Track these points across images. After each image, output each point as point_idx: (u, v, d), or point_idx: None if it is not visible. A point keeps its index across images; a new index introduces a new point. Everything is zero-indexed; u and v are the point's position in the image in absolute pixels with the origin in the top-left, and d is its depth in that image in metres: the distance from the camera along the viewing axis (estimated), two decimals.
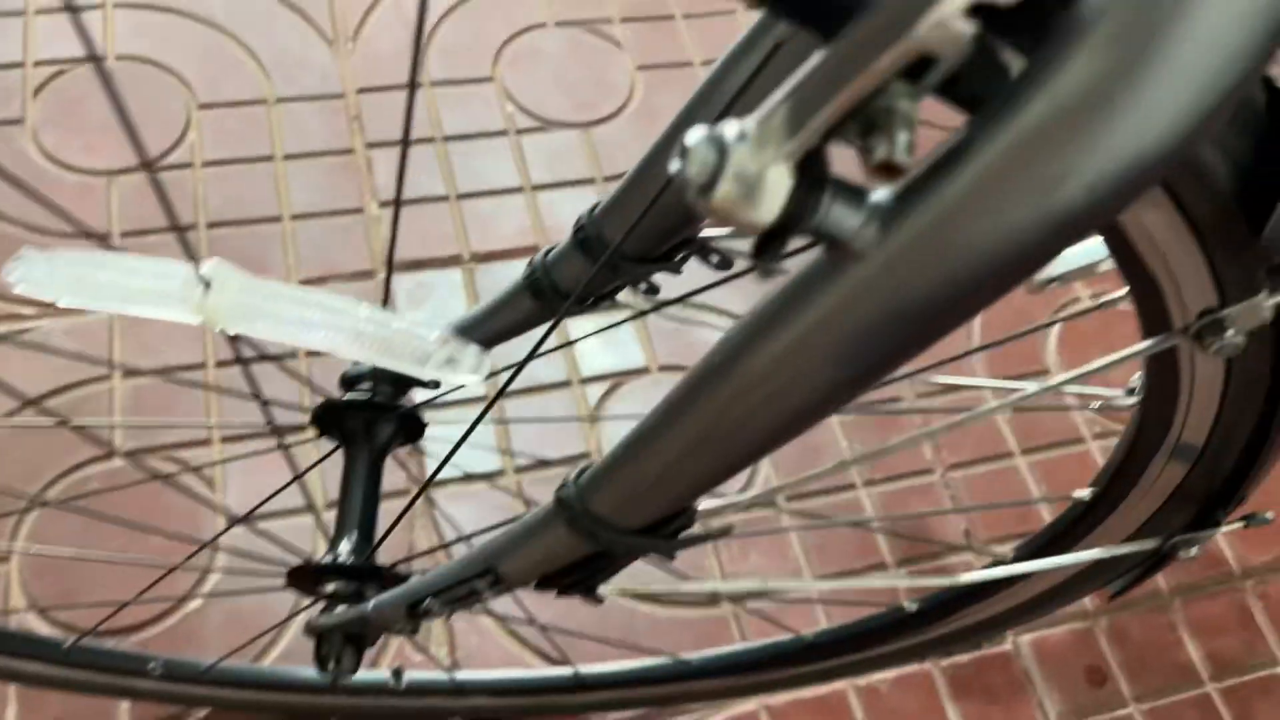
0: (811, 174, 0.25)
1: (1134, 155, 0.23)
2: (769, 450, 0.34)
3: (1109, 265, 0.88)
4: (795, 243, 0.26)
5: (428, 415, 0.57)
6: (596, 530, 0.38)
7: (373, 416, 0.54)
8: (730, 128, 0.25)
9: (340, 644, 0.50)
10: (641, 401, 1.07)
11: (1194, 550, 0.49)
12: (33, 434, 0.96)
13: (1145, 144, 0.23)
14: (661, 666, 0.80)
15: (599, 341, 1.10)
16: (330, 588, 0.51)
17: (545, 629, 0.90)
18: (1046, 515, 1.07)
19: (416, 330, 0.34)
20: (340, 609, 0.50)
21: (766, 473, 1.04)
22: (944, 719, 0.96)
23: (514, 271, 1.10)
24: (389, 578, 0.51)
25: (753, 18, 0.39)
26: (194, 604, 0.91)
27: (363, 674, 0.85)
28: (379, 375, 0.55)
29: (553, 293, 0.48)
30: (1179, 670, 1.01)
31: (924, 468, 1.08)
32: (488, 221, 1.17)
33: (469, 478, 0.95)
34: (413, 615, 0.48)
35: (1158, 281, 0.35)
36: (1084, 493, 0.53)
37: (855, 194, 0.26)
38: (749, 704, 0.93)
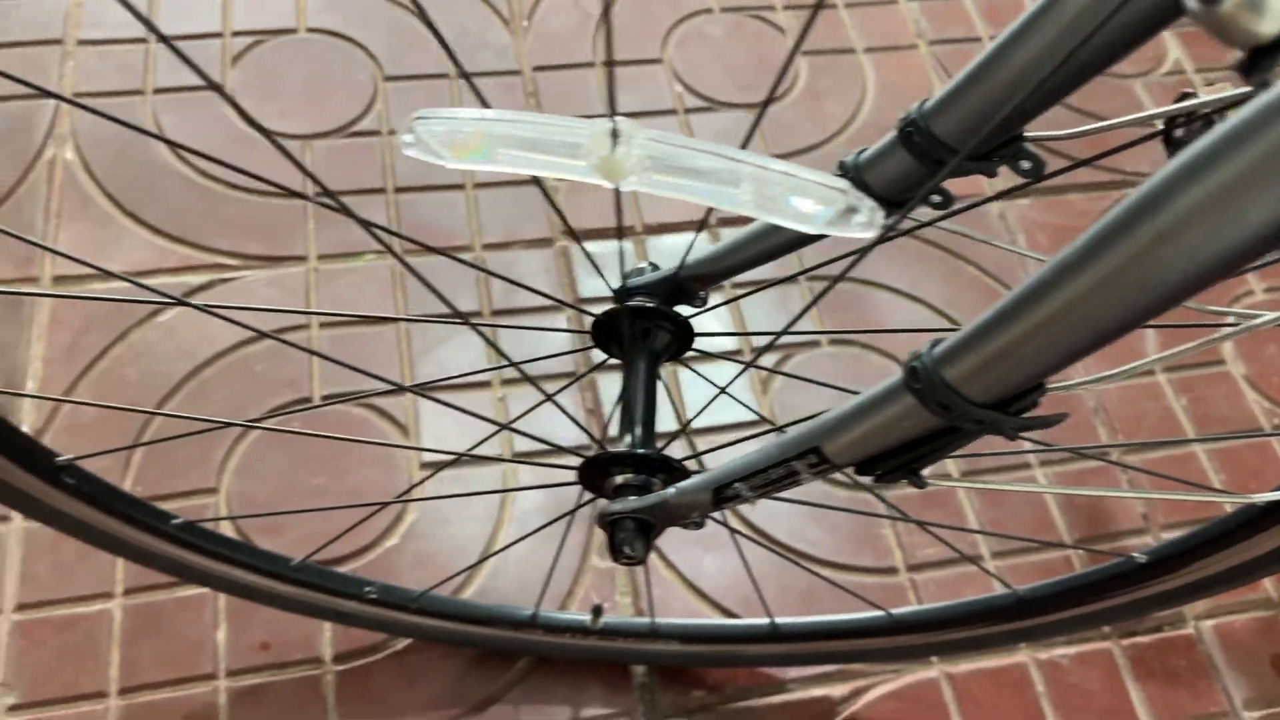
0: None
1: None
2: (1165, 309, 0.33)
3: None
4: None
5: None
6: (950, 400, 0.39)
7: (651, 324, 0.55)
8: None
9: (633, 532, 0.52)
10: (814, 372, 1.08)
11: None
12: (236, 376, 1.01)
13: None
14: (863, 620, 0.80)
15: (768, 314, 1.12)
16: (620, 479, 0.52)
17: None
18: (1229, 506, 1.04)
19: (823, 179, 0.35)
20: (633, 499, 0.52)
21: None
22: (1125, 697, 0.94)
23: (681, 244, 1.13)
24: (678, 471, 0.53)
25: None
26: (391, 541, 0.94)
27: (560, 614, 0.87)
28: (653, 287, 0.57)
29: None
30: None
31: (1100, 454, 1.07)
32: (658, 196, 1.19)
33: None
34: (718, 501, 0.49)
35: None
36: None
37: None
38: (930, 671, 0.93)
